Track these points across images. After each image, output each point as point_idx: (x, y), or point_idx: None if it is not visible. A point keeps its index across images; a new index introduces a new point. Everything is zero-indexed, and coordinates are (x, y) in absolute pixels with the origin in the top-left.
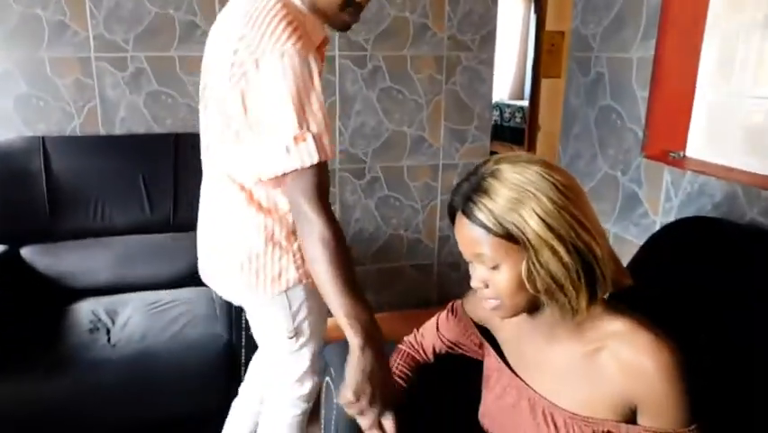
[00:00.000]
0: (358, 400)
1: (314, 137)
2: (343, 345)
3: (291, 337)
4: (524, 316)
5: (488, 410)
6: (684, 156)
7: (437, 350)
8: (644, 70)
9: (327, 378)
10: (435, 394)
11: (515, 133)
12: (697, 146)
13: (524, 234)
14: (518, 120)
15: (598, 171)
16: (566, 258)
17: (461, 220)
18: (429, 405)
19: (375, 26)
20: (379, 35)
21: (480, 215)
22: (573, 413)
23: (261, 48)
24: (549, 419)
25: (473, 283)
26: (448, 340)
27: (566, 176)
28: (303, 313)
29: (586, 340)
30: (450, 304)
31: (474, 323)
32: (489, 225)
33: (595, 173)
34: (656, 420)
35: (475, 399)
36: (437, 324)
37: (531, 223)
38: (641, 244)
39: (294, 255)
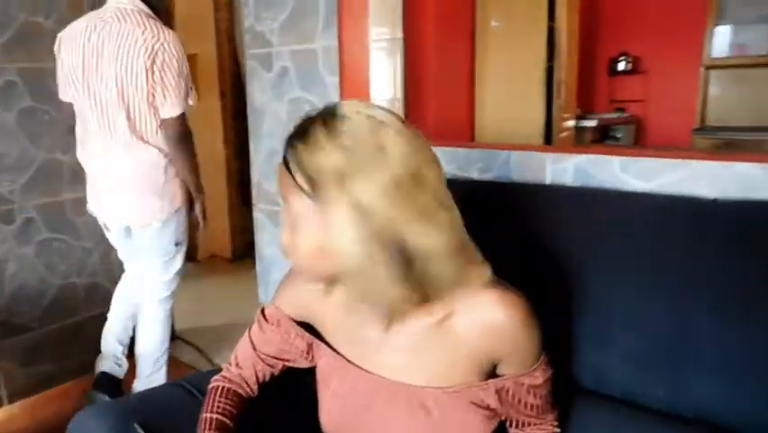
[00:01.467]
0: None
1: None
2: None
3: (177, 244)
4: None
5: (335, 417)
6: None
7: (260, 377)
8: (331, 58)
9: None
10: (268, 421)
11: None
12: None
13: None
14: None
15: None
16: None
17: None
18: None
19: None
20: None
21: None
22: (443, 389)
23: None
24: (416, 404)
25: None
26: (269, 355)
27: None
28: (182, 227)
29: (434, 309)
30: (259, 312)
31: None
32: None
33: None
34: (517, 367)
35: (313, 412)
36: (251, 342)
37: None
38: None
39: (179, 184)
